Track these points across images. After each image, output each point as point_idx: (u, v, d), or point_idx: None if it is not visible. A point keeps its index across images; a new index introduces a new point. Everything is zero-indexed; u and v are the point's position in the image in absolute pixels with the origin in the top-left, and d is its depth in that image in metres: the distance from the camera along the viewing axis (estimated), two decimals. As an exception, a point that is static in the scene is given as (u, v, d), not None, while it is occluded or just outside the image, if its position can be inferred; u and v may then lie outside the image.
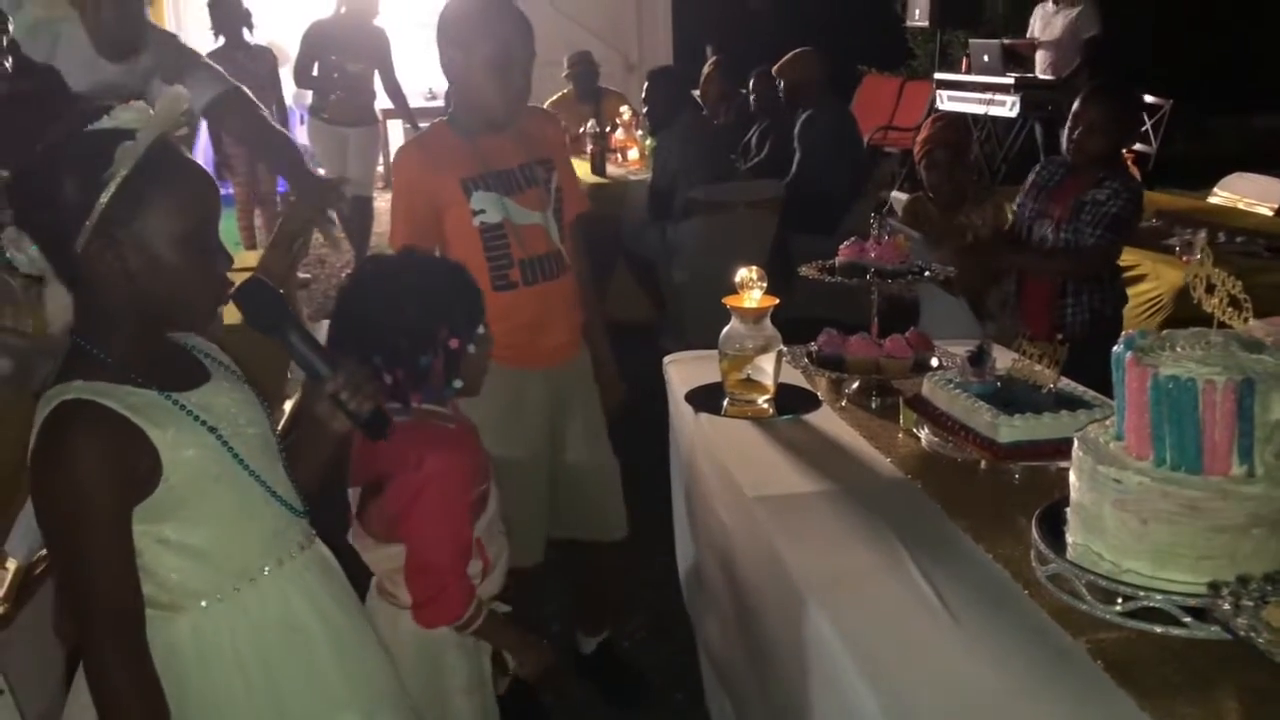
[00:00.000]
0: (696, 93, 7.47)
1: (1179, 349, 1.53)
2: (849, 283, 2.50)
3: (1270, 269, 3.95)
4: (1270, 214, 5.06)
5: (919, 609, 1.65)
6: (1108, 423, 1.64)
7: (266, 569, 1.59)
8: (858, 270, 2.51)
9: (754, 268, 2.51)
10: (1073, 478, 1.61)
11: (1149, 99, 8.60)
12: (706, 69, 6.89)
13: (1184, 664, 1.46)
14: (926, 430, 2.19)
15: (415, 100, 7.57)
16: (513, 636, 2.10)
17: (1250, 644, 1.26)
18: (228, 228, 6.67)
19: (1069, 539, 1.61)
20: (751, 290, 2.51)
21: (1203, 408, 1.45)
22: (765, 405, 2.51)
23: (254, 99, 3.53)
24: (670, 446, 2.80)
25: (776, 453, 2.28)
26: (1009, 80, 8.42)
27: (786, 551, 1.87)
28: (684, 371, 2.81)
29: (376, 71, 6.75)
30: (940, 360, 2.50)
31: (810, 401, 2.55)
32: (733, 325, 2.52)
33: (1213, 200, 5.43)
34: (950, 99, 8.87)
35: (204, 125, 5.06)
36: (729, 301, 2.52)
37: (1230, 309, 1.51)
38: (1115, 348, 1.57)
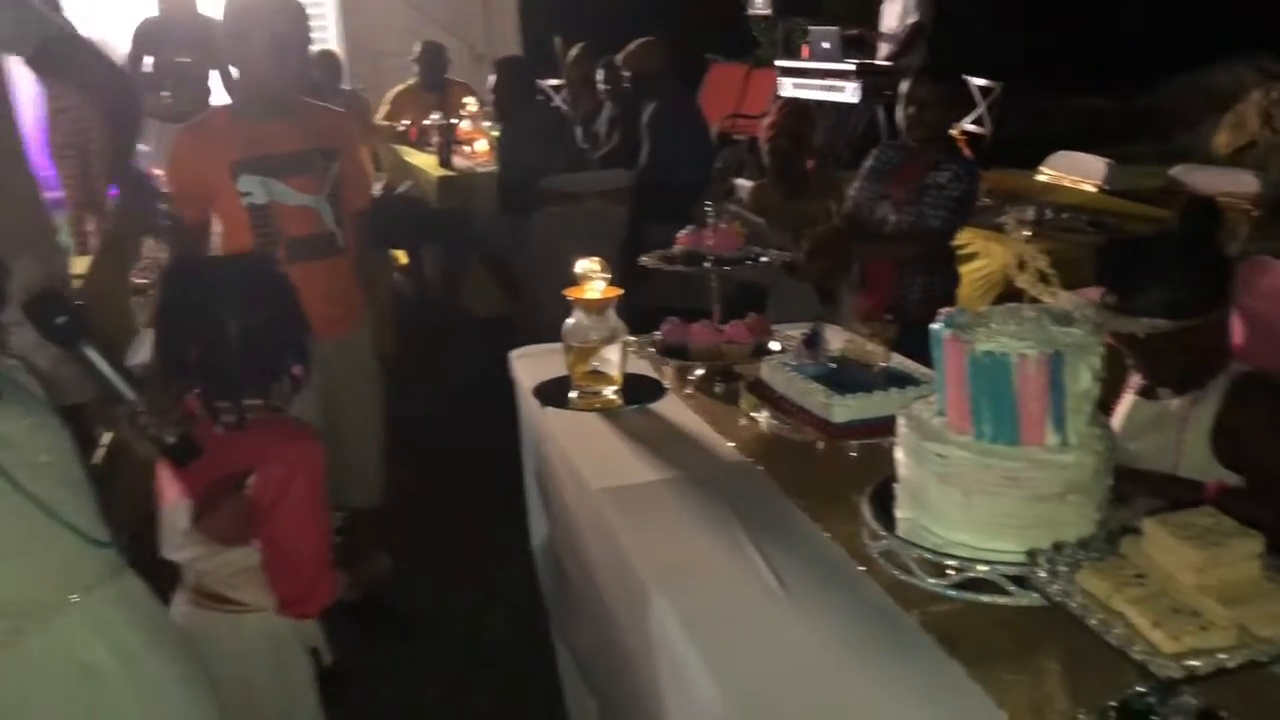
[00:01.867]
0: (555, 82, 7.44)
1: (994, 325, 1.58)
2: (688, 270, 2.52)
3: (1093, 242, 4.12)
4: (1093, 190, 5.30)
5: (758, 591, 1.67)
6: (931, 399, 1.69)
7: (58, 606, 1.49)
8: (695, 258, 2.52)
9: (595, 259, 2.50)
10: (899, 454, 1.65)
11: (982, 82, 8.92)
12: (574, 53, 6.86)
13: (1011, 631, 1.51)
14: (766, 413, 2.22)
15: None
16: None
17: (1063, 609, 1.31)
18: (61, 231, 6.35)
19: (898, 514, 1.65)
20: (593, 282, 2.50)
21: (1017, 381, 1.50)
22: (612, 396, 2.51)
23: (95, 44, 3.36)
24: (522, 443, 2.78)
25: (622, 443, 2.28)
26: (850, 67, 8.61)
27: (629, 542, 1.87)
28: (531, 366, 2.79)
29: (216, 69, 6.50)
30: (780, 344, 2.54)
31: (656, 390, 2.56)
32: (576, 317, 2.51)
33: (1040, 178, 5.66)
34: (794, 86, 9.01)
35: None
36: (571, 294, 2.51)
37: (1039, 284, 1.57)
38: (934, 325, 1.61)
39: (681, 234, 2.60)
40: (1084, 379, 1.51)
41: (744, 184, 5.01)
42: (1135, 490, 1.83)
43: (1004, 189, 5.09)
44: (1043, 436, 1.51)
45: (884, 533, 1.62)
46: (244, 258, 2.36)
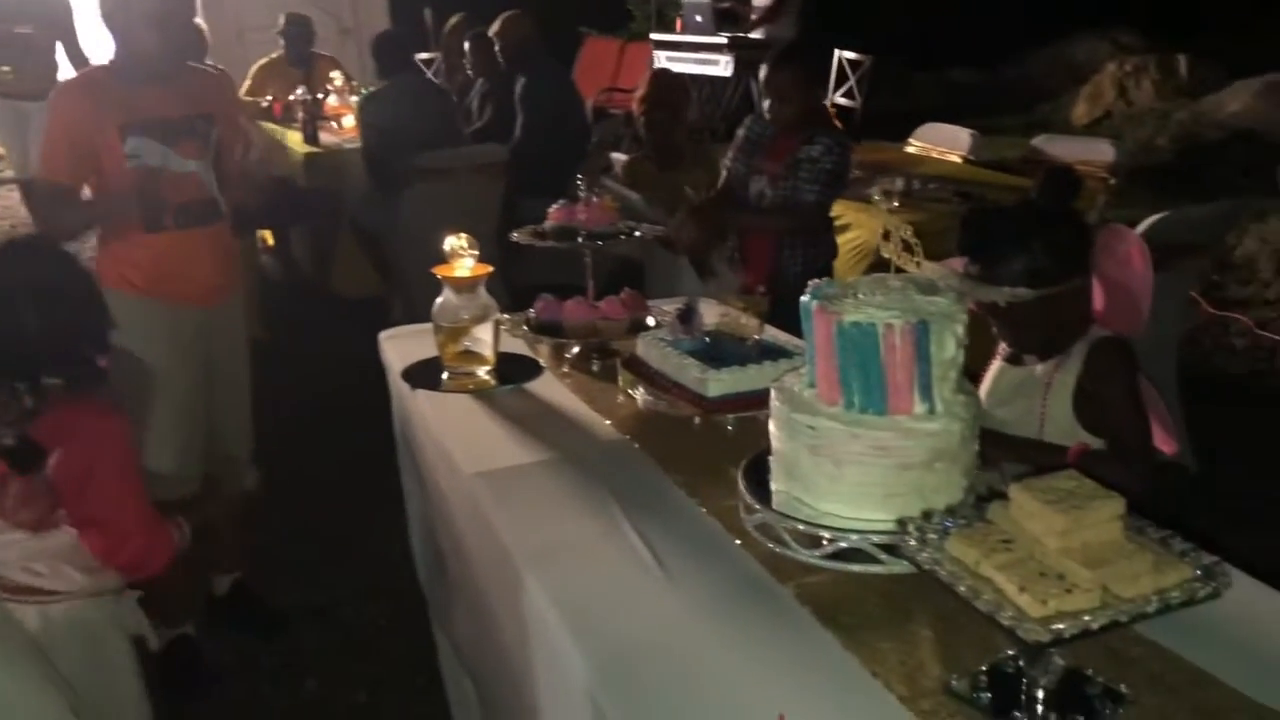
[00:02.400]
0: (427, 55, 7.25)
1: (861, 296, 1.58)
2: (560, 246, 2.48)
3: (958, 212, 4.21)
4: (959, 161, 5.42)
5: (633, 569, 1.65)
6: (802, 371, 1.68)
7: None
8: (568, 233, 2.48)
9: (464, 236, 2.44)
10: (772, 427, 1.65)
11: (852, 55, 9.05)
12: (452, 22, 6.70)
13: (883, 599, 1.52)
14: (642, 390, 2.20)
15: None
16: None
17: (934, 576, 1.31)
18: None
19: (773, 487, 1.65)
20: (462, 259, 2.44)
21: (884, 350, 1.50)
22: (486, 376, 2.46)
23: None
24: (394, 427, 2.70)
25: (496, 425, 2.24)
26: (722, 40, 8.63)
27: (503, 525, 1.83)
28: (401, 347, 2.72)
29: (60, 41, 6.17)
30: (656, 320, 2.52)
31: (532, 369, 2.52)
32: (446, 296, 2.45)
33: (909, 150, 5.76)
34: (668, 59, 9.00)
35: None
36: (440, 272, 2.45)
37: (904, 254, 1.57)
38: (803, 298, 1.60)
39: (554, 209, 2.55)
40: (949, 347, 1.52)
41: (619, 158, 4.97)
42: (1001, 456, 1.86)
43: (874, 161, 5.16)
44: (910, 405, 1.52)
45: (758, 506, 1.61)
46: (35, 243, 2.24)
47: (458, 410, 2.33)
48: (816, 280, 1.64)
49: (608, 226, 2.49)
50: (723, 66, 8.58)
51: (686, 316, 2.16)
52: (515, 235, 2.58)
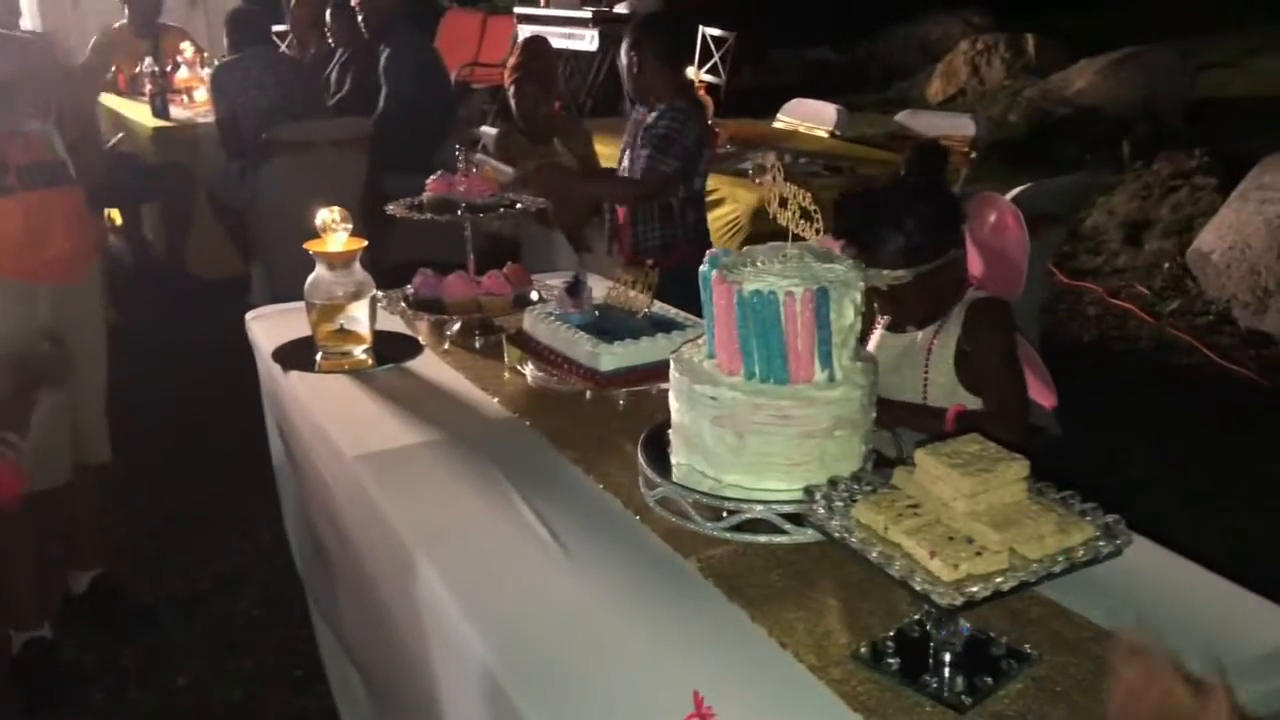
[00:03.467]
0: (280, 28, 6.98)
1: (760, 264, 1.56)
2: (439, 219, 2.40)
3: (830, 186, 4.26)
4: (826, 136, 5.49)
5: (530, 549, 1.60)
6: (700, 342, 1.66)
7: None
8: (447, 205, 2.40)
9: (336, 209, 2.35)
10: (672, 399, 1.62)
11: (716, 32, 9.09)
12: None
13: (788, 569, 1.51)
14: (531, 366, 2.14)
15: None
16: None
17: (844, 544, 1.30)
18: None
19: (673, 460, 1.62)
20: (335, 233, 2.34)
21: (785, 319, 1.48)
22: (363, 356, 2.37)
23: None
24: (265, 412, 2.58)
25: (377, 406, 2.15)
26: (587, 14, 8.56)
27: (391, 509, 1.76)
28: (270, 327, 2.61)
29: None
30: (540, 294, 2.46)
31: (411, 348, 2.44)
32: (319, 273, 2.35)
33: (777, 125, 5.81)
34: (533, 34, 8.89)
35: None
36: (311, 247, 2.34)
37: (803, 221, 1.56)
38: (701, 267, 1.58)
39: (431, 180, 2.47)
40: (848, 314, 1.52)
41: (488, 131, 4.87)
42: (887, 421, 1.87)
43: (744, 136, 5.18)
44: (811, 373, 1.51)
45: (659, 480, 1.58)
46: None
47: (335, 392, 2.24)
48: (713, 250, 1.61)
49: (488, 198, 2.41)
50: (588, 41, 8.51)
51: (574, 290, 2.11)
52: (390, 208, 2.48)
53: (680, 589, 1.51)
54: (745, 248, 1.63)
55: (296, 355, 2.39)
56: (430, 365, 2.37)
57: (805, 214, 1.51)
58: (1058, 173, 6.47)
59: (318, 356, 2.37)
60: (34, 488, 2.14)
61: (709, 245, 3.75)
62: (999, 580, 1.18)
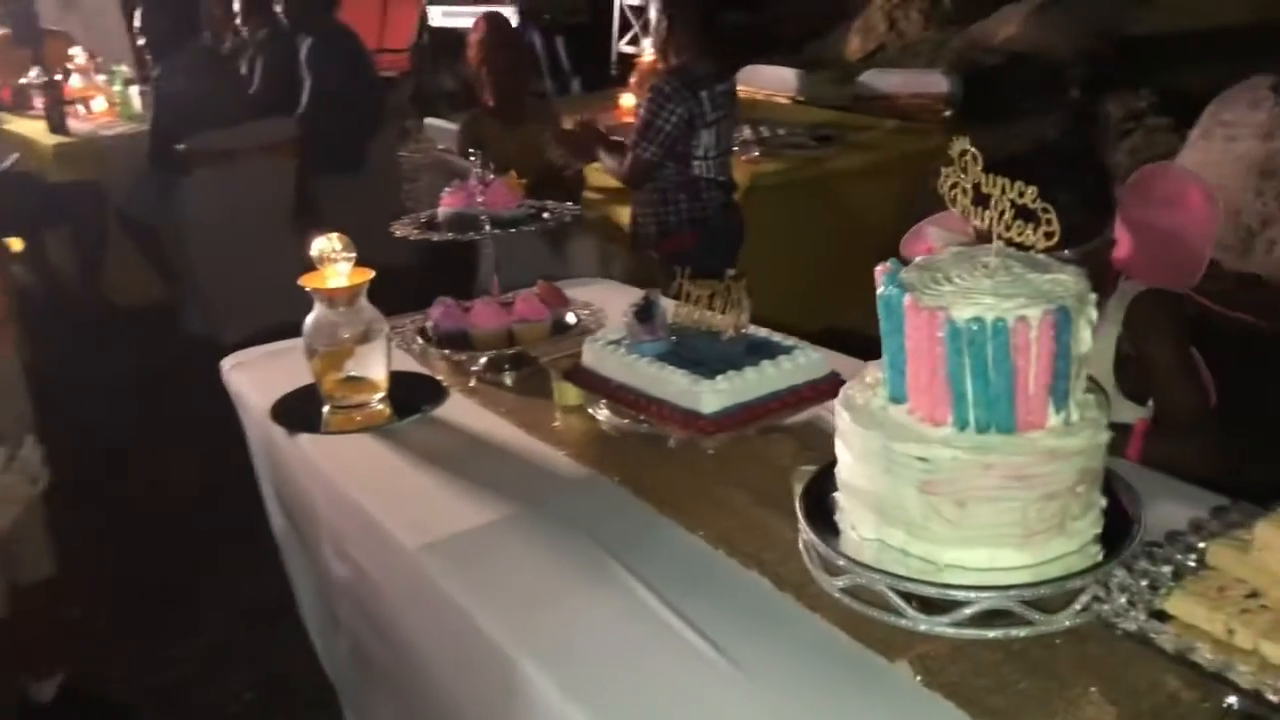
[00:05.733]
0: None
1: (957, 278, 1.22)
2: (461, 238, 2.01)
3: (825, 158, 3.95)
4: (788, 102, 5.16)
5: (675, 655, 1.27)
6: (868, 379, 1.32)
7: None
8: (469, 222, 2.01)
9: (334, 235, 1.95)
10: (846, 457, 1.28)
11: (635, 1, 8.75)
12: None
13: (1032, 667, 1.17)
14: (605, 409, 1.78)
15: None
16: None
17: (1149, 642, 0.99)
18: None
19: (852, 532, 1.28)
20: (335, 263, 1.94)
21: (1015, 350, 1.15)
22: (380, 406, 1.99)
23: None
24: (260, 478, 2.18)
25: (420, 473, 1.77)
26: (506, -10, 8.12)
27: (481, 613, 1.40)
28: (255, 376, 2.20)
29: None
30: (578, 316, 2.10)
31: (433, 391, 2.06)
32: (319, 313, 1.95)
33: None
34: (445, 15, 8.42)
35: None
36: (308, 283, 1.94)
37: (1021, 224, 1.20)
38: (883, 289, 1.23)
39: (446, 193, 2.07)
40: (1084, 339, 1.20)
41: (435, 124, 4.45)
42: None
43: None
44: (1044, 417, 1.18)
45: (846, 562, 1.24)
46: None
47: (359, 457, 1.85)
48: (886, 264, 1.27)
49: (515, 210, 2.03)
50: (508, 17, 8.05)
51: (647, 314, 1.75)
52: (397, 228, 2.08)
53: (894, 703, 1.18)
54: (920, 258, 1.29)
55: (299, 411, 2.00)
56: (462, 411, 1.99)
57: (1026, 214, 1.18)
58: (998, 124, 6.28)
59: (325, 410, 1.98)
60: None
61: (708, 231, 3.45)
62: None
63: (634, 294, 2.21)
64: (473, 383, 2.07)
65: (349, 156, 5.03)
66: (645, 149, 3.41)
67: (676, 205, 3.52)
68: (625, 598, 1.39)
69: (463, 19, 8.34)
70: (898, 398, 1.25)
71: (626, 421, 1.73)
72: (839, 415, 1.28)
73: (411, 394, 2.04)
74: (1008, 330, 1.14)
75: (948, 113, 4.77)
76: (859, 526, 1.28)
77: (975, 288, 1.19)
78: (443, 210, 2.06)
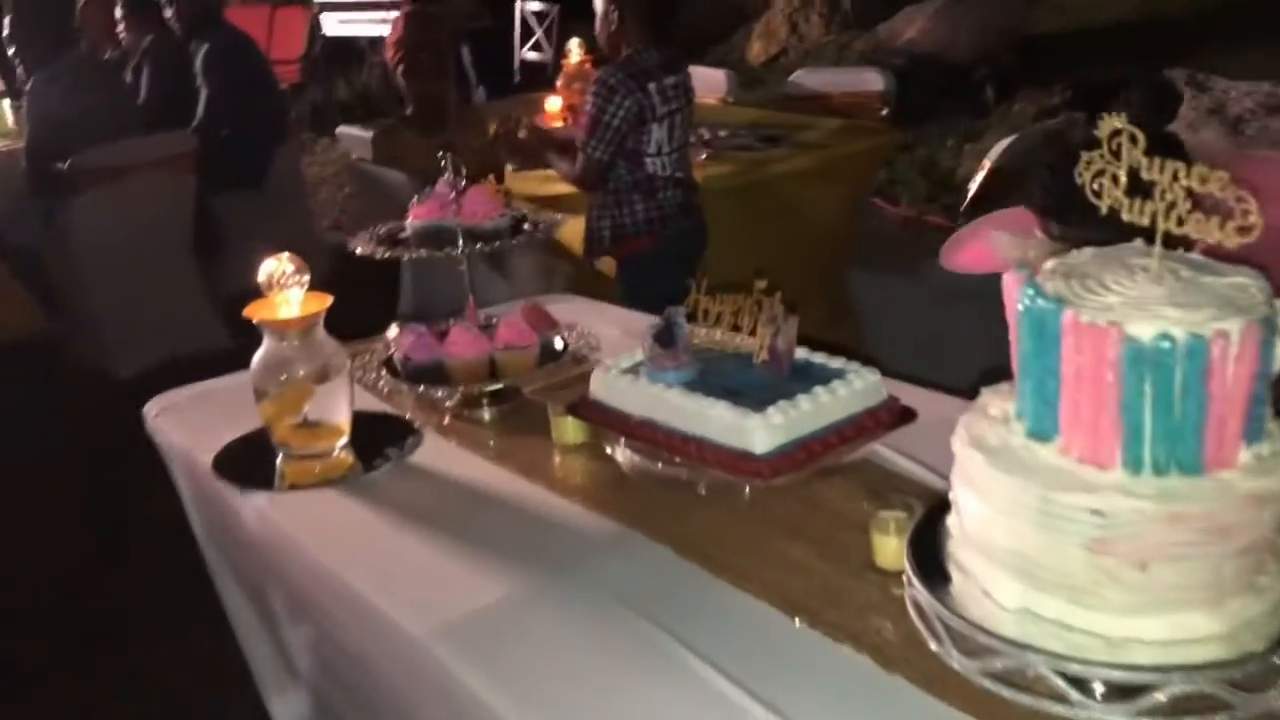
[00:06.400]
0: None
1: (1113, 284, 1.00)
2: (438, 255, 1.72)
3: (775, 159, 3.74)
4: (718, 103, 4.94)
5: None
6: (993, 411, 1.09)
7: None
8: (447, 236, 1.73)
9: (286, 255, 1.65)
10: (980, 510, 1.04)
11: (537, 6, 8.52)
12: None
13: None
14: (629, 452, 1.52)
15: None
16: None
17: None
18: None
19: (988, 601, 1.05)
20: (286, 290, 1.65)
21: (1209, 374, 0.93)
22: (343, 454, 1.69)
23: None
24: (202, 545, 1.86)
25: (406, 536, 1.49)
26: (400, -5, 7.78)
27: (510, 709, 1.14)
28: (187, 422, 1.89)
29: None
30: (565, 340, 1.84)
31: (401, 430, 1.77)
32: (269, 348, 1.66)
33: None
34: (340, 22, 8.03)
35: None
36: (255, 314, 1.64)
37: (1202, 219, 0.98)
38: (1027, 302, 1.00)
39: (416, 204, 1.78)
40: (1277, 358, 0.98)
41: (348, 131, 4.12)
42: None
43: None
44: (1235, 454, 0.97)
45: (997, 643, 1.01)
46: None
47: (328, 518, 1.56)
48: (1015, 273, 1.04)
49: (497, 220, 1.75)
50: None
51: (669, 337, 1.49)
52: (357, 246, 1.79)
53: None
54: (1055, 259, 1.07)
55: (247, 463, 1.69)
56: (440, 454, 1.71)
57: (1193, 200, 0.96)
58: (917, 125, 6.19)
59: (278, 461, 1.68)
60: None
61: (665, 234, 3.21)
62: None
63: (612, 311, 1.97)
64: (446, 420, 1.79)
65: (252, 170, 4.67)
66: (596, 148, 3.16)
67: (630, 207, 3.26)
68: (691, 684, 1.14)
69: (359, 26, 7.99)
70: (1041, 434, 1.03)
71: (660, 465, 1.47)
72: (968, 458, 1.05)
73: (377, 437, 1.75)
74: (1206, 349, 0.92)
75: (884, 110, 4.62)
76: (996, 593, 1.04)
77: (1147, 296, 0.97)
78: (414, 224, 1.77)
